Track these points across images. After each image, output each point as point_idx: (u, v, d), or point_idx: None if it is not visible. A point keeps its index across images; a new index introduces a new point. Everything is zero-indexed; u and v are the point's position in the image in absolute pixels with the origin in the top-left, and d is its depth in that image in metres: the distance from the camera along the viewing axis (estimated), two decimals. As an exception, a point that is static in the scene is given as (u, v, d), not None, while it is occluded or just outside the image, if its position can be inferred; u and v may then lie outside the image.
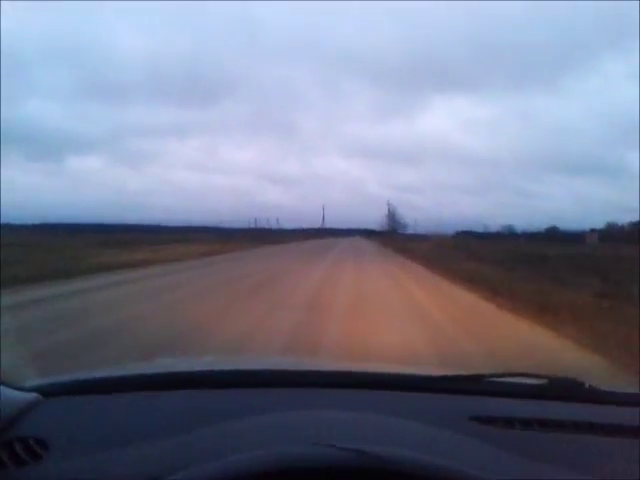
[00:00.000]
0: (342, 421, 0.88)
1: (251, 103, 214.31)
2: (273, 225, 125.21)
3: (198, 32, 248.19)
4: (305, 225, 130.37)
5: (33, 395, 1.07)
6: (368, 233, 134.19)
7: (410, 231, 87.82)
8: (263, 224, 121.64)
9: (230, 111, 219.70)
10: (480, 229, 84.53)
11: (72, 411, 1.04)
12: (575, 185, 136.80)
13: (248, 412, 0.94)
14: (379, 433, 0.82)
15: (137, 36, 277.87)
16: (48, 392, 1.10)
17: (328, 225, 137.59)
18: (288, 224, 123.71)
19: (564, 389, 1.20)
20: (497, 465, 0.69)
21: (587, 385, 1.20)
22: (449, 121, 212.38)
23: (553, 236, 63.42)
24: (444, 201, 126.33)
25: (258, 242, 44.08)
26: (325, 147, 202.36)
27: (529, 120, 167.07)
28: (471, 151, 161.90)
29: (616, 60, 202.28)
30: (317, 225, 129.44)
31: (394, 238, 70.81)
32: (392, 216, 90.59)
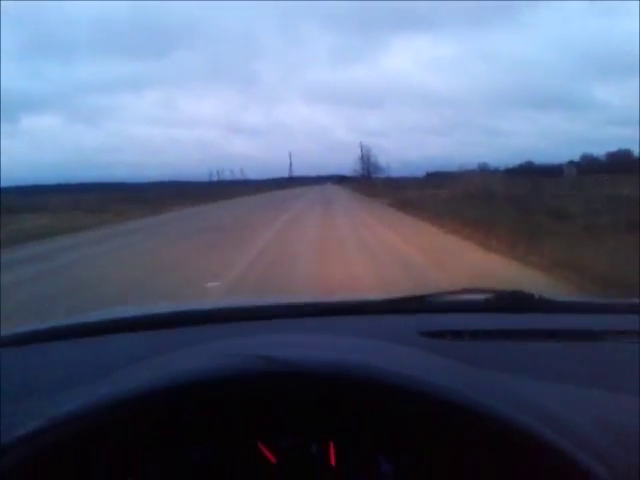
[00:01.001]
0: (279, 341, 0.81)
1: (207, 52, 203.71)
2: (237, 176, 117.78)
3: None
4: (273, 175, 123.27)
5: None
6: (339, 179, 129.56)
7: (383, 175, 79.47)
8: (226, 176, 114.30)
9: (186, 61, 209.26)
10: (455, 168, 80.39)
11: (12, 361, 1.03)
12: (542, 119, 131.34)
13: (183, 346, 0.86)
14: (320, 346, 0.76)
15: None
16: None
17: (297, 174, 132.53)
18: (255, 175, 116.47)
19: (513, 301, 1.22)
20: (442, 371, 0.68)
21: (536, 296, 1.22)
22: (411, 61, 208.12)
23: (529, 171, 61.45)
24: (412, 143, 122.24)
25: (208, 198, 36.79)
26: (288, 94, 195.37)
27: (492, 56, 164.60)
28: (435, 91, 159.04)
29: None
30: (285, 174, 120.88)
31: (371, 184, 62.62)
32: (366, 159, 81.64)
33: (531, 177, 39.13)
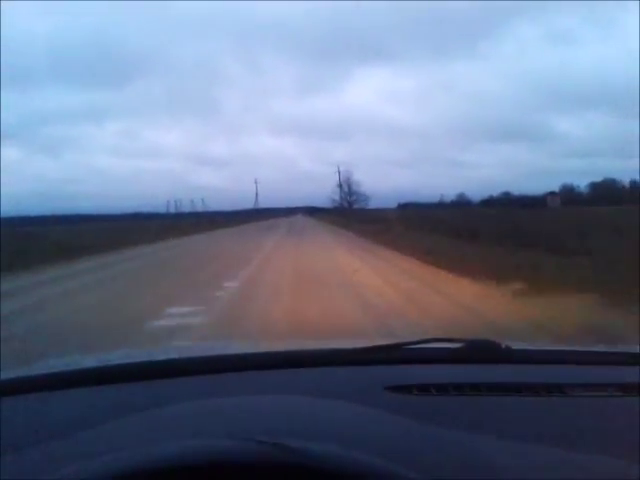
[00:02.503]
0: (257, 407, 0.85)
1: (168, 81, 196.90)
2: (198, 207, 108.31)
3: (101, 9, 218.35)
4: (238, 207, 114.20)
5: None
6: (310, 211, 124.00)
7: (367, 205, 70.29)
8: (186, 207, 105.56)
9: (147, 91, 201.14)
10: (424, 199, 79.04)
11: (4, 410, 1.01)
12: (504, 151, 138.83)
13: (166, 402, 0.89)
14: (292, 417, 0.79)
15: (36, 17, 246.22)
16: None
17: (264, 205, 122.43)
18: (218, 206, 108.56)
19: (480, 351, 1.21)
20: (407, 435, 0.68)
21: (503, 346, 1.20)
22: (374, 93, 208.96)
23: (506, 202, 60.26)
24: (380, 175, 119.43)
25: (147, 238, 26.46)
26: (252, 125, 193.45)
27: (452, 88, 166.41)
28: (400, 123, 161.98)
29: (531, 23, 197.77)
30: (251, 205, 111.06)
31: (355, 216, 53.09)
32: (348, 186, 71.40)
33: (511, 209, 36.44)
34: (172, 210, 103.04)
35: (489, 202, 64.80)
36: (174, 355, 1.46)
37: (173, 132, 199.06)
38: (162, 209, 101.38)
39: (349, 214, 61.08)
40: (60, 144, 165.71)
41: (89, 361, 1.41)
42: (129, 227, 41.22)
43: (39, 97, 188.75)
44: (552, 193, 67.84)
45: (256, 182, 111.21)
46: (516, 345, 1.25)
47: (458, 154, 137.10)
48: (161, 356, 1.41)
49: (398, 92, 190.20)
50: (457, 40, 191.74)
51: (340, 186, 72.29)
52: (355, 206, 68.99)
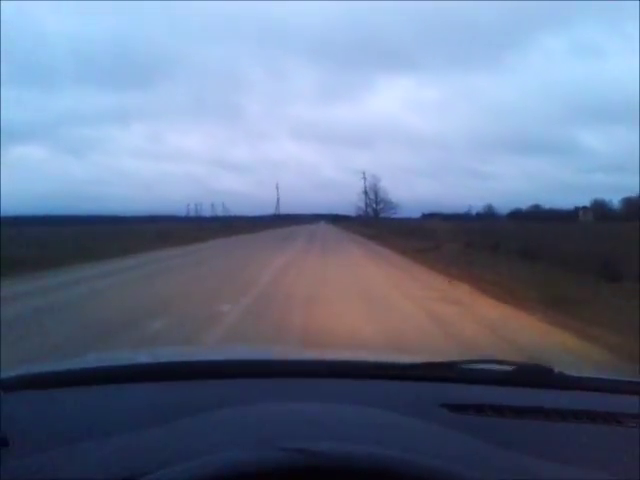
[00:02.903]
0: (306, 415, 0.84)
1: (192, 86, 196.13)
2: (219, 212, 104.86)
3: (128, 12, 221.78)
4: (259, 212, 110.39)
5: None
6: (333, 219, 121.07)
7: (395, 214, 64.58)
8: (206, 211, 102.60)
9: (171, 95, 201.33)
10: (448, 210, 76.82)
11: (33, 405, 1.02)
12: (529, 164, 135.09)
13: (210, 406, 0.90)
14: (343, 425, 0.79)
15: (63, 19, 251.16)
16: (7, 386, 1.09)
17: (287, 211, 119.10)
18: (239, 210, 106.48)
19: (533, 375, 1.22)
20: (467, 452, 0.69)
21: (556, 371, 1.22)
22: (397, 102, 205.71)
23: (536, 215, 59.94)
24: (402, 184, 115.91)
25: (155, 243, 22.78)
26: (275, 131, 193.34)
27: (476, 99, 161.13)
28: (423, 133, 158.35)
29: (557, 35, 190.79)
30: (272, 211, 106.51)
31: (384, 226, 47.42)
32: (374, 193, 65.69)
33: (551, 223, 36.25)
34: (192, 214, 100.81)
35: (517, 214, 63.52)
36: (216, 357, 1.44)
37: (196, 136, 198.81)
38: (182, 212, 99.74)
39: (376, 223, 55.60)
40: (83, 145, 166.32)
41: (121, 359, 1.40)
42: (128, 230, 36.60)
43: (64, 98, 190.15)
44: (584, 208, 65.86)
45: (277, 187, 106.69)
46: (567, 372, 1.24)
47: (481, 165, 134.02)
48: (203, 356, 1.42)
49: (421, 101, 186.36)
50: (482, 51, 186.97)
51: (366, 193, 66.78)
52: (381, 215, 63.59)
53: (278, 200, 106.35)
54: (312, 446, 0.61)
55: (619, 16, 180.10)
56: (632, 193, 64.80)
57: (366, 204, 66.62)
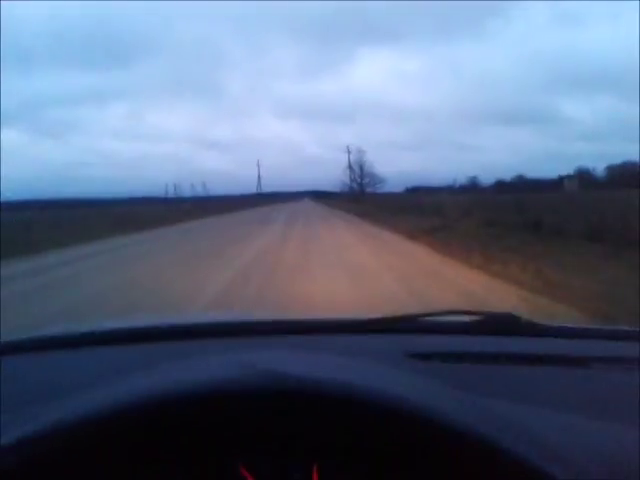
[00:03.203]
0: (272, 358, 0.82)
1: (171, 64, 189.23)
2: (199, 192, 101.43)
3: None
4: (241, 191, 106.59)
5: None
6: (318, 195, 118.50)
7: (381, 189, 60.81)
8: (186, 191, 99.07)
9: (149, 74, 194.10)
10: (433, 183, 77.17)
11: (16, 369, 1.06)
12: (512, 134, 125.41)
13: (176, 358, 0.89)
14: (306, 365, 0.77)
15: (37, 1, 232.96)
16: None
17: (270, 189, 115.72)
18: (222, 190, 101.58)
19: (500, 324, 1.21)
20: (432, 396, 0.69)
21: (523, 319, 1.21)
22: (379, 75, 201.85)
23: (523, 185, 58.86)
24: (385, 158, 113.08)
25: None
26: (256, 108, 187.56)
27: (459, 70, 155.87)
28: (405, 105, 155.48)
29: (539, 3, 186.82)
30: (254, 190, 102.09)
31: (373, 202, 43.59)
32: (360, 167, 61.64)
33: (526, 192, 34.95)
34: (171, 194, 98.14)
35: (502, 185, 62.50)
36: (193, 320, 1.47)
37: (177, 115, 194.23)
38: (161, 193, 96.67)
39: (362, 199, 51.67)
40: (61, 127, 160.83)
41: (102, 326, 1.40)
42: (88, 216, 32.27)
43: (41, 80, 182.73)
44: (569, 176, 64.65)
45: (258, 164, 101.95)
46: (537, 320, 1.25)
47: (464, 137, 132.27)
48: (180, 321, 1.43)
49: (403, 73, 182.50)
50: (463, 21, 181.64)
51: (350, 167, 62.74)
52: (367, 190, 59.69)
53: (259, 178, 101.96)
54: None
55: None
56: (613, 160, 69.09)
57: (351, 179, 62.73)
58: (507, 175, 72.36)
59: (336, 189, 70.69)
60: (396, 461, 0.59)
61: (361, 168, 60.37)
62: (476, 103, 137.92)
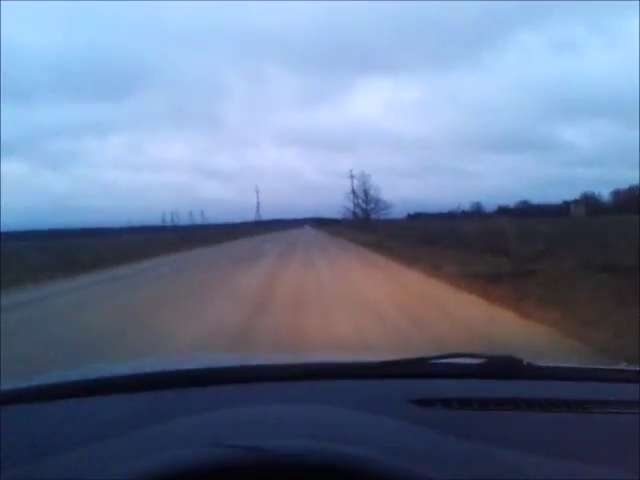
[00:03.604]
0: (270, 416, 0.85)
1: (170, 96, 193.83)
2: (197, 220, 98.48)
3: (100, 24, 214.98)
4: (241, 219, 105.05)
5: None
6: (319, 222, 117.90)
7: (386, 215, 55.79)
8: (184, 220, 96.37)
9: (149, 105, 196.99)
10: (432, 210, 75.04)
11: (10, 421, 1.02)
12: (510, 161, 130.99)
13: (183, 412, 0.92)
14: (306, 425, 0.78)
15: (37, 33, 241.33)
16: None
17: (272, 216, 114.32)
18: (222, 218, 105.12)
19: (503, 367, 1.21)
20: (432, 448, 0.69)
21: (525, 362, 1.20)
22: (377, 104, 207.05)
23: (525, 211, 57.46)
24: (386, 185, 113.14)
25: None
26: (256, 137, 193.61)
27: (455, 99, 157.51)
28: (403, 134, 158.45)
29: (533, 32, 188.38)
30: (265, 217, 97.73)
31: (385, 230, 38.33)
32: (364, 192, 56.50)
33: (534, 218, 32.06)
34: (168, 223, 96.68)
35: (505, 211, 60.70)
36: (197, 365, 1.42)
37: (177, 145, 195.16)
38: (158, 222, 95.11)
39: (369, 226, 46.40)
40: (62, 158, 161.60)
41: (109, 371, 1.38)
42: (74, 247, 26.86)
43: (41, 112, 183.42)
44: (575, 202, 63.17)
45: (257, 191, 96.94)
46: (538, 362, 1.23)
47: (464, 164, 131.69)
48: (184, 366, 1.41)
49: (401, 103, 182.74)
50: (460, 50, 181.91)
51: (354, 192, 57.83)
52: (372, 216, 54.56)
53: (258, 205, 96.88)
54: (264, 444, 0.60)
55: (595, 11, 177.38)
56: (616, 185, 66.35)
57: (355, 204, 57.59)
58: (507, 201, 72.40)
59: (338, 216, 66.15)
60: None
61: (366, 193, 55.29)
62: (474, 131, 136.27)
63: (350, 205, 58.65)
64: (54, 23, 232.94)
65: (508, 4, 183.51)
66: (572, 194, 74.38)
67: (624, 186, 63.72)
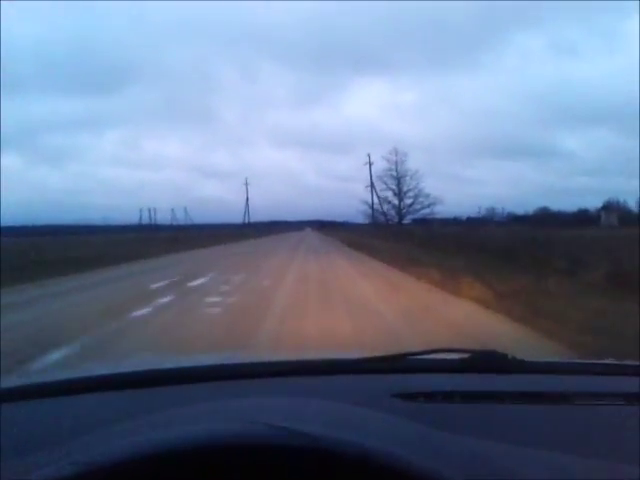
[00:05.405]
0: (257, 408, 0.83)
1: (164, 95, 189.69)
2: (180, 219, 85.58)
3: (97, 16, 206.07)
4: (233, 219, 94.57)
5: None
6: (321, 225, 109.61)
7: (437, 216, 40.03)
8: (164, 218, 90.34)
9: (143, 104, 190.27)
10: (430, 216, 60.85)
11: (15, 417, 1.02)
12: (510, 168, 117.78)
13: (172, 407, 0.89)
14: (290, 414, 0.78)
15: (27, 25, 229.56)
16: None
17: (269, 218, 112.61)
18: (212, 218, 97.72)
19: (486, 362, 1.20)
20: (416, 439, 0.69)
21: (510, 356, 1.20)
22: (375, 106, 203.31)
23: (545, 218, 50.82)
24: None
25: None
26: (250, 136, 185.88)
27: (453, 102, 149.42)
28: (401, 136, 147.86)
29: (533, 35, 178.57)
30: (247, 218, 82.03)
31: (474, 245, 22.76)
32: (397, 180, 38.81)
33: (551, 227, 27.84)
34: (144, 221, 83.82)
35: (523, 218, 58.19)
36: (180, 364, 1.43)
37: (171, 143, 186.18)
38: (135, 220, 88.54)
39: (404, 232, 30.84)
40: (55, 154, 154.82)
41: (95, 370, 1.40)
42: None
43: (35, 106, 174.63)
44: (605, 208, 58.01)
45: (246, 184, 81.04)
46: (522, 357, 1.23)
47: (463, 170, 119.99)
48: (165, 365, 1.41)
49: (399, 104, 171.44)
50: (458, 52, 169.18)
51: (372, 186, 42.07)
52: (407, 219, 38.72)
53: (247, 202, 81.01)
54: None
55: (598, 15, 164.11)
56: (613, 194, 61.08)
57: (381, 200, 40.84)
58: (514, 208, 67.20)
59: (344, 218, 50.64)
60: None
61: (399, 182, 38.51)
62: (472, 136, 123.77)
63: (369, 202, 42.06)
64: (46, 13, 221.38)
65: (507, 5, 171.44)
66: (578, 202, 71.12)
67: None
